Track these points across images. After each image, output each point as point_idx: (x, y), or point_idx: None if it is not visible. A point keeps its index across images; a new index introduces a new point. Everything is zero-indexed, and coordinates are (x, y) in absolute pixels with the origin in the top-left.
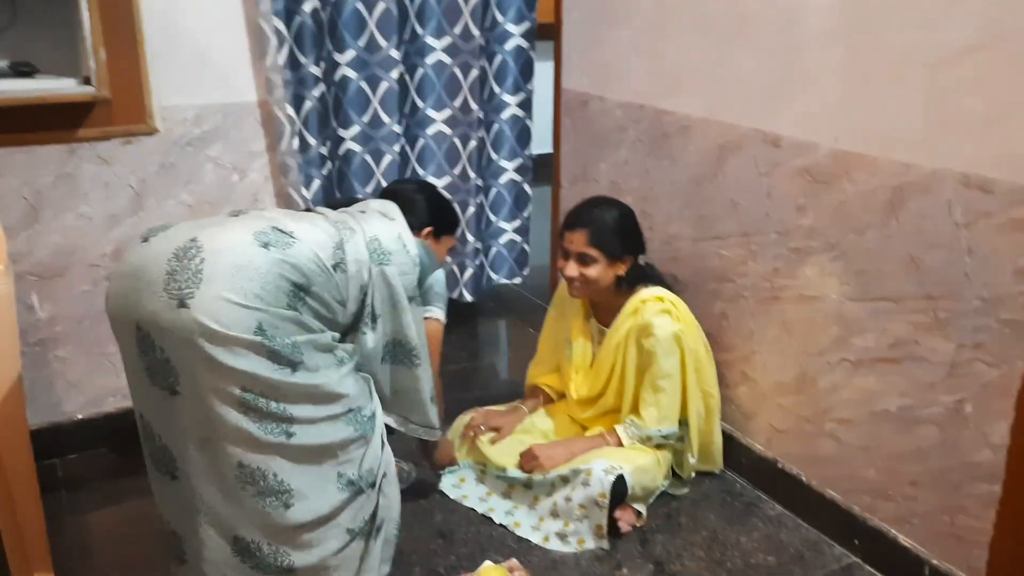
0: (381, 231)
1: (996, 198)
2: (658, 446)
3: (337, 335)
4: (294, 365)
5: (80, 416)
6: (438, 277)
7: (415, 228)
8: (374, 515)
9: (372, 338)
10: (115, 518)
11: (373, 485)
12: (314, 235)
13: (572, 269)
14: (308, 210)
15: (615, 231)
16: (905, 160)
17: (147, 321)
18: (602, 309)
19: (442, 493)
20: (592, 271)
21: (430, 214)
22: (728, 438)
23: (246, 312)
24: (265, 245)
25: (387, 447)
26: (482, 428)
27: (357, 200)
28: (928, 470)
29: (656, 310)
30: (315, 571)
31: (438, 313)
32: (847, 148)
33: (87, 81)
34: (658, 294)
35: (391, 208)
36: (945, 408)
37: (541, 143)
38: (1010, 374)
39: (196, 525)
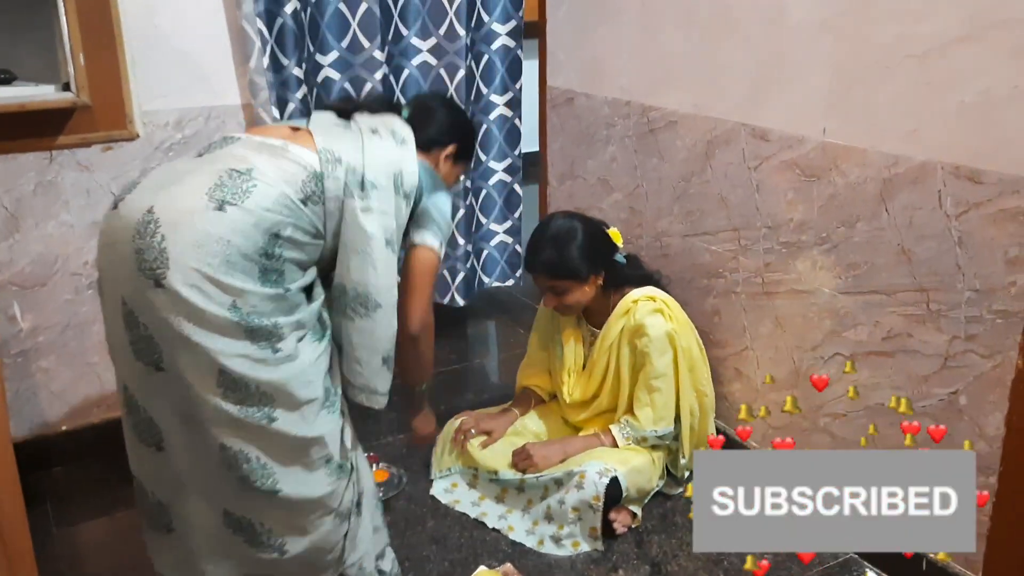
0: (374, 160)
1: (986, 188)
2: (653, 446)
3: (314, 287)
4: (272, 345)
5: (65, 427)
6: (441, 201)
7: (436, 144)
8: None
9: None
10: (102, 530)
11: (352, 467)
12: (277, 172)
13: (550, 301)
14: (296, 129)
15: (572, 258)
16: (895, 152)
17: (130, 298)
18: (592, 311)
19: (434, 499)
20: (568, 298)
21: (455, 132)
22: (722, 435)
23: (217, 290)
24: (221, 205)
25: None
26: (472, 432)
27: (378, 102)
28: None
29: (648, 310)
30: (307, 553)
31: (432, 240)
32: (836, 141)
33: (66, 87)
34: (649, 294)
35: (404, 131)
36: (939, 400)
37: (528, 141)
38: (1003, 365)
39: (185, 496)
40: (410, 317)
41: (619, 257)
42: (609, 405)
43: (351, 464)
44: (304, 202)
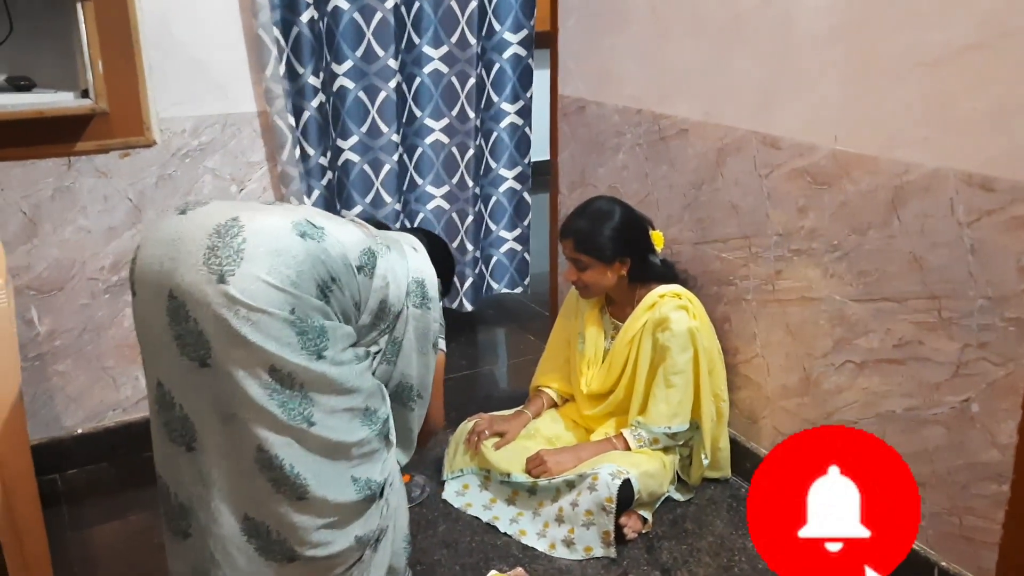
0: (428, 276)
1: (998, 196)
2: (665, 449)
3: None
4: (319, 352)
5: (80, 431)
6: (440, 310)
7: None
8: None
9: (383, 371)
10: (117, 532)
11: (382, 494)
12: (342, 234)
13: (570, 274)
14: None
15: (601, 236)
16: (906, 159)
17: (183, 291)
18: (617, 304)
19: (445, 502)
20: (587, 275)
21: (443, 270)
22: (733, 443)
23: (281, 295)
24: (302, 235)
25: (393, 457)
26: (486, 433)
27: (385, 225)
28: (935, 471)
29: (673, 305)
30: (316, 567)
31: (442, 344)
32: (847, 148)
33: (85, 94)
34: (675, 290)
35: (427, 256)
36: (951, 408)
37: (539, 150)
38: (1016, 373)
39: (209, 498)
40: (433, 415)
41: (654, 258)
42: (625, 399)
43: (383, 494)
44: (358, 269)
